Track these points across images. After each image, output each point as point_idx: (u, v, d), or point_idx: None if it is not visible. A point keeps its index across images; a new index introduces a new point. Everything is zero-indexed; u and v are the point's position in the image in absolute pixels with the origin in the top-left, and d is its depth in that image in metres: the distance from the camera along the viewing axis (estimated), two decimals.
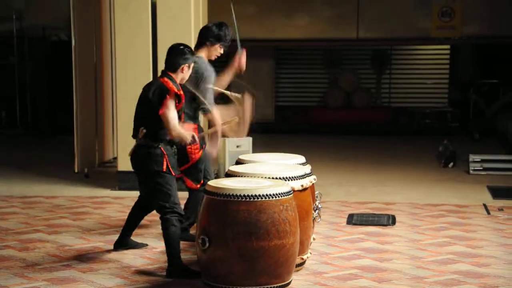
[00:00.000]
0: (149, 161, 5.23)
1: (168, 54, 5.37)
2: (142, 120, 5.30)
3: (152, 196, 5.31)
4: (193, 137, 5.32)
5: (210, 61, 6.03)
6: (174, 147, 5.43)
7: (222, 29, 6.00)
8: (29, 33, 13.77)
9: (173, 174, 5.29)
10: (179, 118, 5.25)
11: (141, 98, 5.34)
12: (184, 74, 5.34)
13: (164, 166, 5.23)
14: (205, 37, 6.00)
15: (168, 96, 5.13)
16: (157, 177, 5.23)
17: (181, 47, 5.37)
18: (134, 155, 5.34)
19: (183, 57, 5.30)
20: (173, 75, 5.29)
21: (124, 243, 5.74)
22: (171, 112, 5.13)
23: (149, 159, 5.23)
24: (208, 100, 5.84)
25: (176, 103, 5.17)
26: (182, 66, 5.30)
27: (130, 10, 8.05)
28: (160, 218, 5.25)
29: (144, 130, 5.24)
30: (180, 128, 5.22)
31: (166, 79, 5.26)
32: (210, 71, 5.90)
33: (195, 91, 5.78)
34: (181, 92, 5.25)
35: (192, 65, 5.38)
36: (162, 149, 5.25)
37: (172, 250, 5.12)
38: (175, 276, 5.08)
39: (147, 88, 5.36)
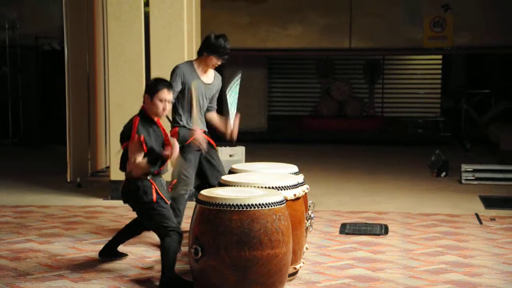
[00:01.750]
0: (139, 194, 5.20)
1: None
2: (126, 154, 5.30)
3: (149, 225, 5.32)
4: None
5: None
6: (163, 179, 5.37)
7: (218, 41, 6.04)
8: (21, 42, 13.77)
9: (167, 202, 5.27)
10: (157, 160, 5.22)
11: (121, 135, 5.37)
12: (148, 106, 5.24)
13: (155, 197, 5.20)
14: (203, 46, 6.09)
15: (124, 143, 5.19)
16: (150, 208, 5.21)
17: (151, 79, 5.46)
18: (124, 190, 5.32)
19: (145, 88, 5.35)
20: (144, 109, 5.28)
21: (109, 253, 5.72)
22: (131, 151, 5.14)
23: (138, 192, 5.20)
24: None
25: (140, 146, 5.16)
26: (143, 96, 5.30)
27: (123, 19, 8.06)
28: (161, 237, 5.19)
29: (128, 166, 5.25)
30: (137, 165, 5.15)
31: (137, 118, 5.23)
32: (173, 75, 6.01)
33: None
34: (142, 139, 5.14)
35: (155, 97, 5.21)
36: (151, 181, 5.23)
37: (167, 261, 5.07)
38: (170, 286, 5.06)
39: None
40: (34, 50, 13.86)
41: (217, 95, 6.31)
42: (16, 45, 13.74)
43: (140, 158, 5.13)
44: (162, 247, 5.17)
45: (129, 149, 5.17)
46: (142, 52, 8.10)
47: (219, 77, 6.35)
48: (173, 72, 6.06)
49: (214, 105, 6.34)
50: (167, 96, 5.22)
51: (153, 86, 5.26)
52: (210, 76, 6.22)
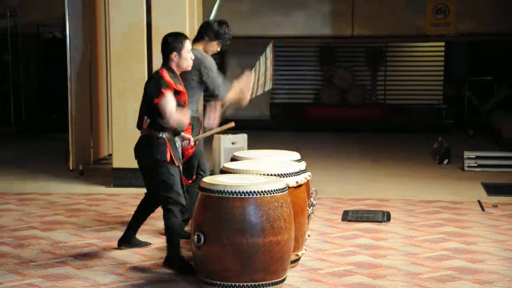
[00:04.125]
0: (152, 151, 5.18)
1: (161, 46, 5.41)
2: (145, 110, 5.29)
3: (155, 188, 5.28)
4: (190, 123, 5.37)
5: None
6: (179, 139, 5.35)
7: (222, 27, 6.04)
8: (23, 30, 13.75)
9: (177, 165, 5.23)
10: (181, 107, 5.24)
11: (144, 89, 5.36)
12: (178, 60, 5.28)
13: (168, 156, 5.17)
14: (205, 32, 6.03)
15: (164, 90, 5.12)
16: (160, 167, 5.18)
17: (166, 37, 5.36)
18: (138, 146, 5.32)
19: (167, 48, 5.30)
20: (169, 65, 5.29)
21: (129, 240, 5.69)
22: (166, 100, 5.10)
23: (152, 149, 5.19)
24: (219, 88, 5.92)
25: (174, 95, 5.18)
26: (169, 55, 5.28)
27: (125, 6, 8.04)
28: (163, 208, 5.23)
29: (148, 120, 5.23)
30: (177, 113, 5.16)
31: (164, 69, 5.26)
32: (209, 61, 5.94)
33: (206, 82, 5.88)
34: (181, 88, 5.24)
35: (182, 51, 5.28)
36: (166, 139, 5.20)
37: (172, 239, 5.13)
38: (172, 265, 5.10)
39: (148, 79, 5.40)
40: (36, 38, 13.85)
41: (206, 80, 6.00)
42: (18, 33, 13.73)
43: (174, 108, 5.11)
44: (165, 227, 5.20)
45: (163, 102, 5.09)
46: (144, 39, 8.08)
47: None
48: (204, 56, 5.93)
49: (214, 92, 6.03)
50: (190, 45, 5.36)
51: (177, 41, 5.27)
52: None
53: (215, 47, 6.07)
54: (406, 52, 15.29)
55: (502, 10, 13.32)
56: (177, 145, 5.32)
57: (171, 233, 5.16)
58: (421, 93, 15.10)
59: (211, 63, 5.95)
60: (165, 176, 5.19)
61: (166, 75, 5.21)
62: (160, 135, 5.21)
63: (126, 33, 8.06)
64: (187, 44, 5.32)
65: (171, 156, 5.19)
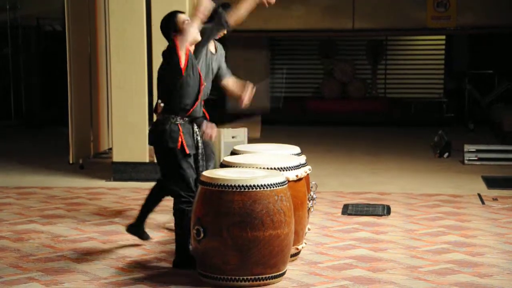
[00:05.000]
0: (165, 137, 5.07)
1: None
2: (160, 93, 5.20)
3: (167, 178, 5.18)
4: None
5: None
6: (195, 127, 5.24)
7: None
8: (23, 23, 13.71)
9: (187, 152, 5.08)
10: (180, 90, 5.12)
11: (158, 71, 5.25)
12: (182, 36, 5.09)
13: (179, 143, 5.06)
14: (221, 20, 5.93)
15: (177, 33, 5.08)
16: (171, 155, 5.07)
17: (162, 22, 5.27)
18: (152, 131, 5.23)
19: (165, 32, 5.21)
20: (174, 41, 5.14)
21: (137, 228, 5.60)
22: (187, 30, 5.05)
23: (165, 135, 5.07)
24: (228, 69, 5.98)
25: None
26: (170, 36, 5.15)
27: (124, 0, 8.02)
28: (174, 205, 5.11)
29: (162, 104, 5.15)
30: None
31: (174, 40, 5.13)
32: (221, 48, 6.00)
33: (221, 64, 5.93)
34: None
35: (178, 26, 5.14)
36: (179, 126, 5.10)
37: (182, 241, 5.05)
38: (182, 267, 5.03)
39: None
40: (36, 31, 13.81)
41: (224, 63, 6.07)
42: (18, 26, 13.68)
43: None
44: (175, 227, 5.10)
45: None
46: (143, 32, 8.06)
47: (221, 46, 6.20)
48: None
49: (225, 71, 6.05)
50: (186, 16, 5.21)
51: (175, 20, 5.15)
52: (213, 47, 6.13)
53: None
54: (407, 46, 15.26)
55: (502, 3, 13.28)
56: (192, 132, 5.20)
57: (181, 234, 5.04)
58: (421, 86, 15.08)
59: (223, 52, 6.07)
60: (177, 166, 5.07)
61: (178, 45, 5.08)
62: (174, 121, 5.11)
63: (126, 26, 8.04)
64: (180, 18, 5.16)
65: (182, 143, 5.07)
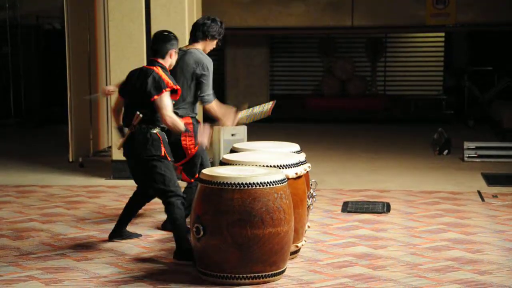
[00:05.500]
0: (147, 146, 5.23)
1: (154, 42, 5.43)
2: (135, 108, 5.28)
3: (150, 182, 5.30)
4: (186, 127, 5.39)
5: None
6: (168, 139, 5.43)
7: (221, 26, 6.03)
8: (22, 22, 13.70)
9: (169, 159, 5.30)
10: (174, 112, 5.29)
11: (133, 87, 5.31)
12: (172, 59, 5.42)
13: (163, 151, 5.25)
14: (207, 32, 5.93)
15: (164, 90, 5.17)
16: (155, 161, 5.24)
17: (165, 33, 5.44)
18: (129, 141, 5.31)
19: (169, 43, 5.37)
20: (162, 62, 5.34)
21: (119, 233, 5.72)
22: (166, 100, 5.17)
23: (147, 143, 5.23)
24: (209, 91, 5.86)
25: (171, 95, 5.24)
26: (170, 51, 5.36)
27: None
28: (163, 203, 5.27)
29: (140, 115, 5.23)
30: (175, 116, 5.23)
31: (158, 68, 5.27)
32: (210, 62, 5.92)
33: (201, 80, 5.81)
34: (178, 87, 5.28)
35: (176, 49, 5.43)
36: (159, 135, 5.27)
37: (179, 233, 5.16)
38: (183, 259, 5.09)
39: (136, 76, 5.32)
40: (35, 29, 13.80)
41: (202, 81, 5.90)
42: (17, 24, 13.68)
43: (171, 107, 5.21)
44: (170, 221, 5.25)
45: (162, 100, 5.15)
46: (143, 31, 8.06)
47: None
48: (205, 56, 5.91)
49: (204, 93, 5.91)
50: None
51: (176, 40, 5.41)
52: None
53: (213, 45, 6.07)
54: (406, 43, 15.26)
55: (501, 0, 13.27)
56: (166, 140, 5.37)
57: (177, 226, 5.18)
58: (421, 83, 15.07)
59: (211, 66, 5.92)
60: (162, 170, 5.24)
61: (162, 73, 5.25)
62: (153, 130, 5.25)
63: (125, 24, 8.04)
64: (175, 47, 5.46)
65: (165, 151, 5.26)
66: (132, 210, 5.71)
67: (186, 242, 5.11)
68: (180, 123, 5.25)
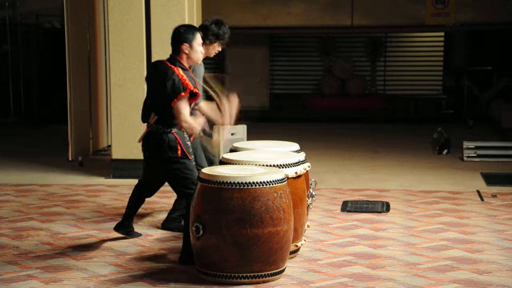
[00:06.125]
0: (163, 148, 5.17)
1: (171, 38, 5.33)
2: (154, 106, 5.24)
3: (173, 183, 5.26)
4: (203, 129, 5.34)
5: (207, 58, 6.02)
6: (185, 133, 5.31)
7: (221, 28, 6.00)
8: (22, 20, 13.70)
9: (190, 158, 5.22)
10: (190, 113, 5.23)
11: (154, 83, 5.25)
12: (189, 52, 5.23)
13: (179, 152, 5.17)
14: (205, 35, 5.92)
15: (183, 93, 5.09)
16: (174, 163, 5.17)
17: (177, 28, 5.31)
18: (146, 141, 5.28)
19: (180, 38, 5.23)
20: (179, 59, 5.23)
21: (127, 227, 5.65)
22: (183, 104, 5.09)
23: (163, 145, 5.17)
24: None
25: (189, 98, 5.15)
26: (181, 46, 5.21)
27: None
28: (186, 203, 5.16)
29: (156, 117, 5.20)
30: (192, 119, 5.18)
31: (179, 70, 5.16)
32: (201, 69, 5.91)
33: None
34: (197, 90, 5.19)
35: (193, 42, 5.23)
36: (175, 134, 5.19)
37: (189, 238, 5.01)
38: (189, 263, 5.00)
39: (158, 72, 5.22)
40: (35, 28, 13.80)
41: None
42: (17, 23, 13.68)
43: (188, 111, 5.12)
44: (184, 219, 5.18)
45: (180, 105, 5.07)
46: (142, 30, 8.05)
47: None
48: (199, 71, 5.90)
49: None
50: (201, 39, 5.31)
51: (189, 33, 5.23)
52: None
53: (216, 48, 6.03)
54: (406, 42, 15.26)
55: (501, 0, 13.28)
56: (187, 138, 5.29)
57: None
58: (420, 83, 15.09)
59: (200, 70, 5.90)
60: (181, 172, 5.18)
61: (182, 74, 5.13)
62: (169, 130, 5.18)
63: (125, 23, 8.03)
64: (198, 37, 5.28)
65: (182, 151, 5.18)
66: (136, 204, 5.63)
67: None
68: (196, 127, 5.18)
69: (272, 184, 4.62)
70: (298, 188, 5.09)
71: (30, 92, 13.71)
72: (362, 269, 5.00)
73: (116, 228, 5.70)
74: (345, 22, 13.89)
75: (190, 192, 5.11)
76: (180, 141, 5.20)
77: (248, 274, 4.60)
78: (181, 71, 5.16)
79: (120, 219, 5.77)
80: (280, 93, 15.34)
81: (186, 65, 5.27)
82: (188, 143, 5.32)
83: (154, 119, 5.21)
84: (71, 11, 8.80)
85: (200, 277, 4.75)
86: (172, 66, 5.19)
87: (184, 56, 5.25)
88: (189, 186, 5.16)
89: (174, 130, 5.20)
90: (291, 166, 5.04)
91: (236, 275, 4.60)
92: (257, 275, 4.62)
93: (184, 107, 5.11)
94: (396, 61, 15.25)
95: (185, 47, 5.22)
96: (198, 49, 5.27)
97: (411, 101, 14.55)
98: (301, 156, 5.32)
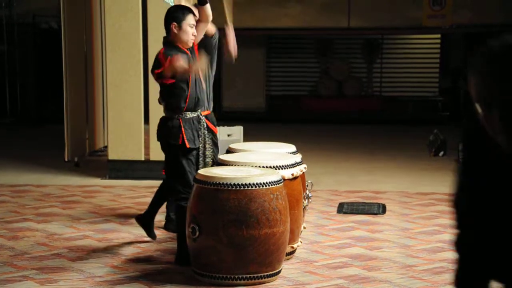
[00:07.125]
0: (166, 134, 5.13)
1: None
2: (160, 93, 5.29)
3: (168, 172, 5.23)
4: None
5: None
6: (200, 123, 5.20)
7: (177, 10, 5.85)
8: (19, 20, 13.68)
9: (187, 146, 5.09)
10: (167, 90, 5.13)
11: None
12: (178, 32, 5.10)
13: (180, 139, 5.08)
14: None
15: (156, 71, 5.02)
16: (173, 151, 5.12)
17: (169, 8, 5.25)
18: (158, 127, 5.26)
19: (168, 18, 5.15)
20: (170, 39, 5.15)
21: (147, 222, 5.58)
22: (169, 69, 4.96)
23: (166, 131, 5.13)
24: None
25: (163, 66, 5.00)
26: (170, 26, 5.11)
27: None
28: (174, 202, 5.16)
29: (163, 102, 5.22)
30: (168, 66, 4.94)
31: (162, 49, 5.10)
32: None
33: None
34: (172, 58, 4.95)
35: (182, 23, 5.08)
36: (180, 121, 5.11)
37: (182, 238, 4.99)
38: (184, 264, 4.99)
39: None
40: (32, 28, 13.78)
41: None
42: (13, 23, 13.65)
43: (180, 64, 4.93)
44: (177, 224, 5.15)
45: (166, 70, 4.95)
46: (139, 30, 8.05)
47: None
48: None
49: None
50: (193, 21, 5.15)
51: (179, 13, 5.13)
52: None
53: (186, 32, 5.91)
54: (403, 44, 15.27)
55: (498, 1, 13.30)
56: (195, 127, 5.17)
57: (182, 232, 4.95)
58: (417, 85, 15.09)
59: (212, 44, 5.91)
60: (177, 162, 5.09)
61: (162, 52, 5.03)
62: (176, 116, 5.12)
63: (122, 23, 8.02)
64: (189, 18, 5.13)
65: (183, 139, 5.08)
66: (159, 199, 5.61)
67: (187, 248, 4.95)
68: (178, 63, 4.91)
69: (269, 186, 4.62)
70: (295, 190, 5.09)
71: (27, 92, 13.68)
72: (358, 271, 5.00)
73: (138, 219, 5.64)
74: (342, 23, 13.90)
75: (180, 191, 5.06)
76: (183, 128, 5.09)
77: (244, 276, 4.60)
78: (163, 50, 5.05)
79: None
80: (277, 95, 15.34)
81: (179, 45, 5.12)
82: (193, 132, 5.14)
83: (164, 106, 5.23)
84: (68, 11, 8.79)
85: (196, 278, 4.74)
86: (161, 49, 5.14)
87: (174, 36, 5.12)
88: (180, 182, 5.06)
89: (181, 117, 5.11)
90: (287, 168, 5.04)
91: (232, 276, 4.60)
92: (253, 276, 4.62)
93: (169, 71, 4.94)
94: (393, 62, 15.26)
95: (173, 25, 5.10)
96: (188, 30, 5.10)
97: (407, 103, 14.56)
98: (298, 157, 5.31)
